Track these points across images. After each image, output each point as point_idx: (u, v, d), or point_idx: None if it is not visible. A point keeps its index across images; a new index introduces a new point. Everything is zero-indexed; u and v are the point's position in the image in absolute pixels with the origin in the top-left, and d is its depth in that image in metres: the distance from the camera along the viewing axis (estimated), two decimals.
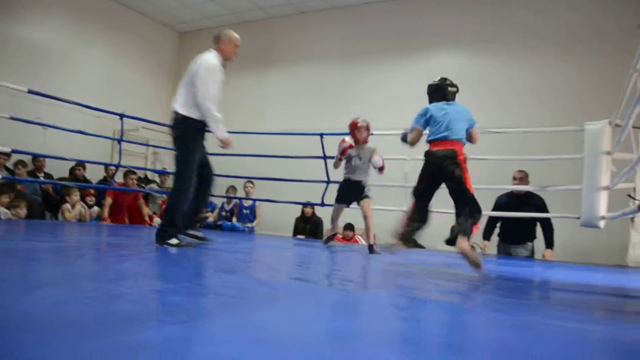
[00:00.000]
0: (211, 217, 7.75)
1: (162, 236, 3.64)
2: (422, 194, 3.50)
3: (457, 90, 3.67)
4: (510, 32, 7.54)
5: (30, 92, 5.41)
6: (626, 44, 4.25)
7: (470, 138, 3.55)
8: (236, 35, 3.97)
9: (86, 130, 6.42)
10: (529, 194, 5.39)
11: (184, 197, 3.73)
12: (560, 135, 5.86)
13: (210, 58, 3.76)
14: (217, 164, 7.14)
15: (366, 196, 4.94)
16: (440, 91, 3.63)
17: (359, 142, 5.05)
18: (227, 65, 3.90)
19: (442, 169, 3.36)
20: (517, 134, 6.46)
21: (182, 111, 3.70)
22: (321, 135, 6.34)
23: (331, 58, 9.08)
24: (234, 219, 7.64)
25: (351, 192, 5.05)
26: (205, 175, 4.03)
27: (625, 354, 1.44)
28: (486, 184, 6.14)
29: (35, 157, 6.89)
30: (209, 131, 3.85)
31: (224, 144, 3.83)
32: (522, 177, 5.44)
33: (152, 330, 1.24)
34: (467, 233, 3.14)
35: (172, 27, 10.73)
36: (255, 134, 7.40)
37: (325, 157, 6.28)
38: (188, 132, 3.71)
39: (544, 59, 7.27)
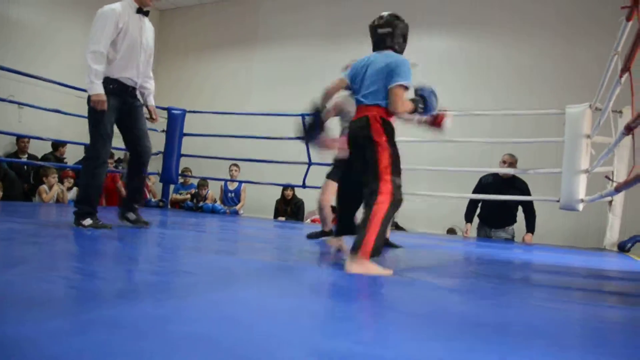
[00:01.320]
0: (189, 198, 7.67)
1: (76, 215, 3.29)
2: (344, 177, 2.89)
3: (390, 33, 2.64)
4: (495, 14, 7.52)
5: (1, 68, 5.24)
6: (612, 25, 4.26)
7: (390, 102, 2.45)
8: None
9: (65, 109, 6.27)
10: (514, 178, 5.38)
11: (92, 169, 3.31)
12: (544, 118, 5.87)
13: (107, 5, 3.30)
14: (201, 144, 7.02)
15: None
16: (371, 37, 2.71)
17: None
18: (148, 9, 3.46)
19: (356, 146, 2.53)
20: (502, 117, 6.47)
21: None
22: (302, 116, 6.27)
23: (316, 39, 8.98)
24: (218, 202, 7.58)
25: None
26: (140, 151, 3.57)
27: (602, 332, 1.45)
28: (469, 166, 6.19)
29: (15, 136, 6.73)
30: (129, 94, 3.45)
31: (92, 102, 3.21)
32: (512, 162, 5.39)
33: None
34: (359, 249, 2.20)
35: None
36: (236, 114, 7.33)
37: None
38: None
39: (530, 42, 7.27)
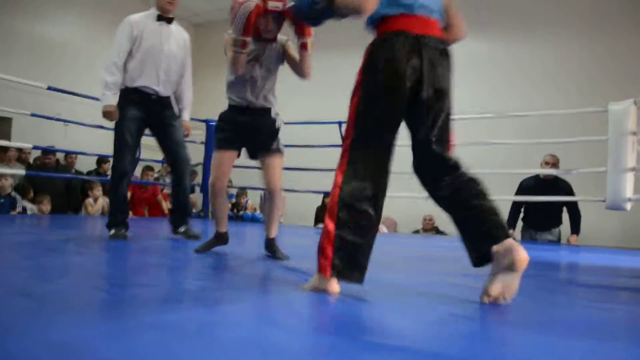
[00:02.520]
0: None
1: (107, 227, 3.34)
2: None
3: None
4: (523, 15, 7.41)
5: (50, 88, 5.44)
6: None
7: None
8: None
9: (106, 125, 6.45)
10: (556, 179, 5.25)
11: (113, 181, 3.33)
12: (584, 117, 5.74)
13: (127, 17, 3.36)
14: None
15: (277, 149, 2.88)
16: None
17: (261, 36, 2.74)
18: (171, 16, 3.49)
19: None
20: (541, 117, 6.35)
21: None
22: (339, 123, 6.30)
23: (346, 48, 9.00)
24: (257, 211, 7.65)
25: (246, 133, 2.79)
26: (175, 162, 3.54)
27: None
28: (508, 168, 6.07)
29: (63, 153, 6.97)
30: (155, 103, 3.38)
31: (103, 112, 3.25)
32: (555, 162, 5.27)
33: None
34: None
35: (186, 19, 10.74)
36: None
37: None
38: (125, 105, 3.29)
39: (559, 42, 7.13)
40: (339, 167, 1.72)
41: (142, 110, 3.32)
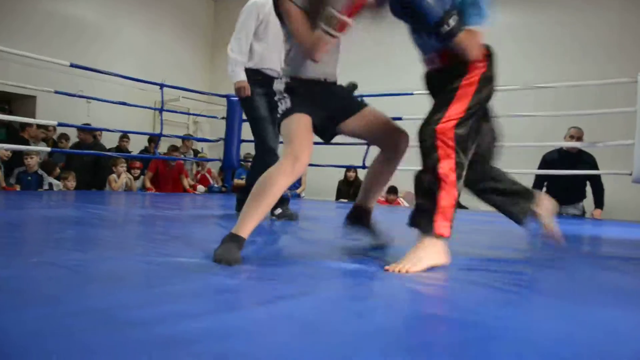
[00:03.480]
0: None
1: (237, 203, 3.41)
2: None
3: None
4: None
5: (72, 65, 5.48)
6: None
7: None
8: None
9: (128, 101, 6.51)
10: (580, 152, 5.14)
11: (265, 159, 3.16)
12: (610, 88, 5.61)
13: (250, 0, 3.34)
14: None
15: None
16: None
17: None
18: None
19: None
20: (567, 89, 6.21)
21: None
22: (361, 97, 6.25)
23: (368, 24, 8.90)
24: None
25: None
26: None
27: None
28: (532, 141, 5.99)
29: (79, 129, 7.05)
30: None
31: (235, 88, 3.31)
32: (580, 136, 5.15)
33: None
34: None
35: None
36: None
37: None
38: (249, 85, 3.31)
39: (585, 10, 6.95)
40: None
41: (266, 92, 3.29)
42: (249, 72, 3.32)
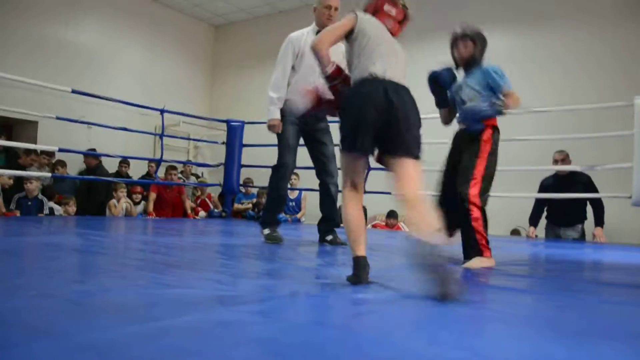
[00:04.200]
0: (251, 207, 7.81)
1: (260, 224, 3.59)
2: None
3: None
4: (556, 7, 7.31)
5: (74, 91, 5.54)
6: None
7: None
8: None
9: (129, 127, 6.56)
10: (574, 174, 5.18)
11: (274, 179, 3.54)
12: (607, 111, 5.65)
13: (294, 33, 3.60)
14: (261, 154, 6.92)
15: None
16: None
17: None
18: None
19: None
20: (563, 112, 6.26)
21: None
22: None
23: None
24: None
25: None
26: (323, 175, 3.69)
27: None
28: (532, 164, 6.01)
29: (84, 155, 7.09)
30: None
31: (268, 127, 3.54)
32: (564, 158, 5.23)
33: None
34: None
35: (207, 21, 10.83)
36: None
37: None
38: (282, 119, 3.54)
39: (579, 37, 7.04)
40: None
41: (300, 120, 3.54)
42: (287, 102, 3.52)
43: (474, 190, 2.63)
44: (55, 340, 0.98)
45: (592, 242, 4.99)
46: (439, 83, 2.89)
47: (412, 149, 1.99)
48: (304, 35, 3.54)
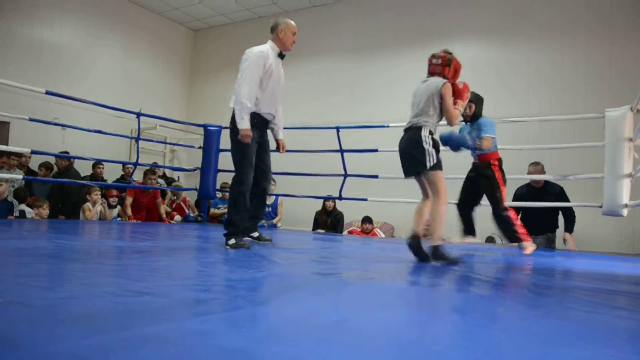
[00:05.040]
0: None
1: (225, 237, 3.62)
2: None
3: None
4: (532, 19, 7.44)
5: (48, 92, 5.44)
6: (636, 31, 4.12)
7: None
8: (293, 23, 3.83)
9: (104, 129, 6.47)
10: (547, 184, 5.30)
11: (240, 191, 3.62)
12: (583, 123, 5.77)
13: (256, 48, 3.69)
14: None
15: None
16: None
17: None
18: (285, 55, 3.83)
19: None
20: (539, 123, 6.37)
21: (233, 105, 3.68)
22: (337, 128, 6.31)
23: (344, 53, 9.05)
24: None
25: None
26: (263, 182, 3.90)
27: None
28: (508, 174, 6.09)
29: (56, 157, 6.97)
30: (266, 127, 3.86)
31: (241, 136, 3.56)
32: (538, 171, 5.34)
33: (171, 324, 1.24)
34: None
35: (186, 24, 10.77)
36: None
37: (342, 151, 6.25)
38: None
39: (555, 48, 7.18)
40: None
41: (259, 134, 3.75)
42: (252, 116, 3.63)
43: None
44: (18, 350, 0.95)
45: (563, 250, 5.07)
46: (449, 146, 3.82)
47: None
48: (270, 53, 3.70)
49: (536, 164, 5.40)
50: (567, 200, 5.21)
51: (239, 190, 3.63)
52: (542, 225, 5.29)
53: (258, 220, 4.13)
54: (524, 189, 5.46)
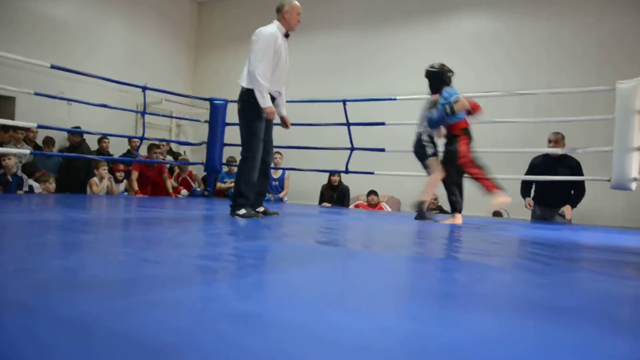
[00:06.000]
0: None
1: (232, 208, 3.77)
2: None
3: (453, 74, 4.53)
4: None
5: (53, 67, 5.42)
6: None
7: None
8: (297, 3, 3.92)
9: (110, 104, 6.46)
10: (564, 156, 5.20)
11: (251, 166, 3.78)
12: (592, 95, 5.70)
13: (265, 28, 3.79)
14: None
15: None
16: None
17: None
18: (290, 35, 3.95)
19: None
20: (550, 95, 6.31)
21: (244, 83, 3.81)
22: (344, 101, 6.27)
23: (352, 28, 8.95)
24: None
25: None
26: (267, 156, 4.07)
27: None
28: (519, 146, 6.07)
29: (68, 132, 6.99)
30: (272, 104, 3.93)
31: (266, 113, 3.76)
32: (558, 140, 5.22)
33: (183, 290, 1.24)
34: None
35: None
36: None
37: (348, 124, 6.22)
38: (250, 103, 3.77)
39: (565, 22, 7.06)
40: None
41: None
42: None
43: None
44: (35, 314, 0.96)
45: (574, 225, 5.05)
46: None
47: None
48: (279, 33, 3.83)
49: (556, 133, 5.27)
50: (582, 175, 5.12)
51: (251, 164, 3.78)
52: (556, 198, 5.20)
53: (263, 196, 4.24)
54: (540, 158, 5.36)
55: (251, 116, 3.79)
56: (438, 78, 4.44)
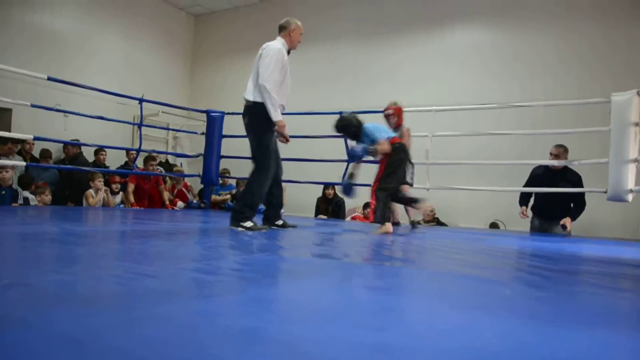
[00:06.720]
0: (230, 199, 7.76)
1: (236, 218, 3.74)
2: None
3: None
4: (525, 6, 7.38)
5: (50, 79, 5.42)
6: None
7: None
8: (300, 22, 4.06)
9: (107, 116, 6.45)
10: (566, 169, 5.15)
11: (265, 178, 3.82)
12: (589, 106, 5.71)
13: (274, 44, 3.87)
14: (240, 145, 6.93)
15: None
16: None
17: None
18: (290, 53, 4.02)
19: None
20: (544, 108, 6.34)
21: (250, 97, 3.83)
22: (340, 113, 6.26)
23: (347, 39, 8.99)
24: None
25: None
26: (278, 170, 4.12)
27: None
28: (513, 159, 6.08)
29: (65, 144, 6.98)
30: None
31: (279, 126, 3.84)
32: (559, 154, 5.14)
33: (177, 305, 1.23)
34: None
35: (187, 10, 10.70)
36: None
37: (345, 136, 6.21)
38: (258, 117, 3.80)
39: (561, 33, 7.11)
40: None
41: (274, 125, 3.89)
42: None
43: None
44: (26, 330, 0.94)
45: (563, 234, 5.03)
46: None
47: None
48: (284, 50, 3.91)
49: (558, 146, 5.20)
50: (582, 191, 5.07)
51: (265, 176, 3.83)
52: (556, 211, 5.14)
53: (280, 207, 4.28)
54: (541, 169, 5.29)
55: (261, 129, 3.83)
56: (349, 128, 4.52)
